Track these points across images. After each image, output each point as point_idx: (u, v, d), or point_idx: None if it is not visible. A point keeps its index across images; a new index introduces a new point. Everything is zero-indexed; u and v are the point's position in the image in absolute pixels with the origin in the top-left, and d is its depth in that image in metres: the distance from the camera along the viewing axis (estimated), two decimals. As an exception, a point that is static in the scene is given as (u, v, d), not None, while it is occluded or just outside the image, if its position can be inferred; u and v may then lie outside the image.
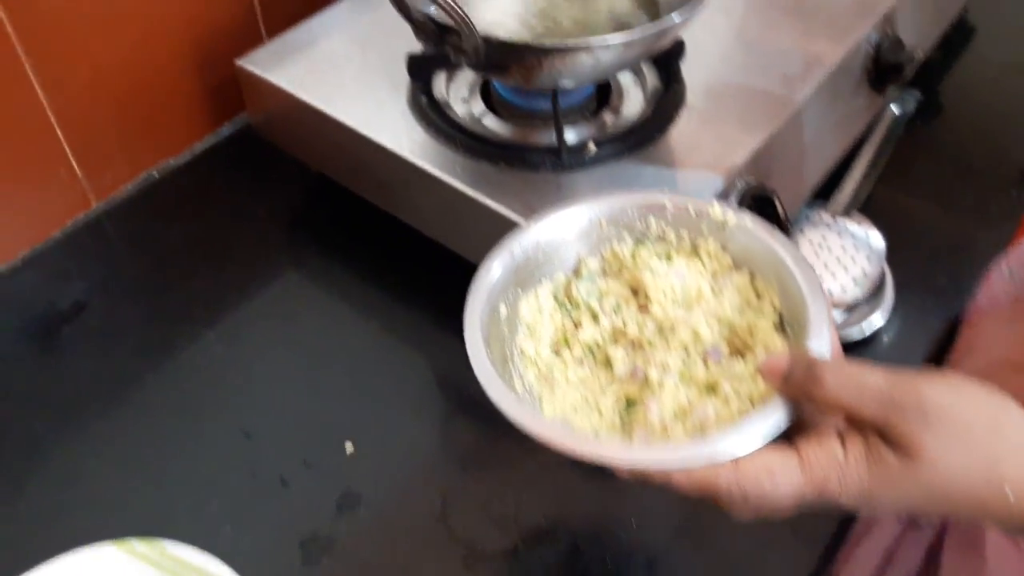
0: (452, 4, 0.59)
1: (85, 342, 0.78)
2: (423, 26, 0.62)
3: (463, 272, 0.55)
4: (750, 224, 0.56)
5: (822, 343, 0.48)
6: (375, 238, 0.85)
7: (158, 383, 0.75)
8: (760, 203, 0.72)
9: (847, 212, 0.85)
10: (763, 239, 0.55)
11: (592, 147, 0.72)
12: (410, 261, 0.83)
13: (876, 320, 0.80)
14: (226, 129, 0.97)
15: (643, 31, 0.63)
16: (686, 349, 0.54)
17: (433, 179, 0.72)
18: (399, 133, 0.75)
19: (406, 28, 0.70)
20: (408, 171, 0.74)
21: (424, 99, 0.77)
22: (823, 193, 0.87)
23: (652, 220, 0.58)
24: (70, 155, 0.83)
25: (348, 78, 0.81)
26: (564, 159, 0.71)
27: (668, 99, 0.77)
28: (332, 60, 0.83)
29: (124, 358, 0.77)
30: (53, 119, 0.80)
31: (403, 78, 0.78)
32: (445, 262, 0.76)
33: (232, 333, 0.79)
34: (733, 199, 0.72)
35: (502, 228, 0.68)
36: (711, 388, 0.51)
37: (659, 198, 0.58)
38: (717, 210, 0.56)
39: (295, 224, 0.90)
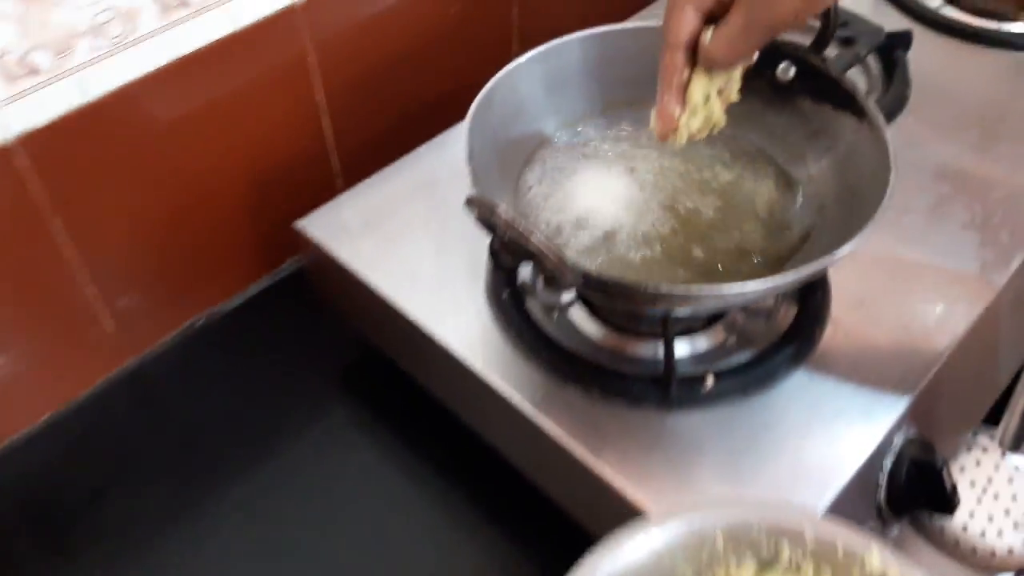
0: (546, 245, 0.45)
1: (97, 542, 0.67)
2: (513, 247, 0.49)
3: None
4: None
5: None
6: (439, 422, 0.71)
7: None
8: (921, 469, 0.56)
9: (1018, 444, 0.68)
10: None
11: (710, 381, 0.57)
12: (474, 456, 0.69)
13: (1055, 593, 0.64)
14: (287, 266, 0.85)
15: (787, 277, 0.48)
16: None
17: (506, 404, 0.59)
18: (472, 335, 0.62)
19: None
20: (477, 385, 0.61)
21: (505, 292, 0.63)
22: (990, 414, 0.70)
23: (785, 546, 0.44)
24: (102, 310, 0.73)
25: (420, 253, 0.68)
26: (673, 395, 0.57)
27: (808, 312, 0.62)
28: (404, 226, 0.70)
29: (137, 570, 0.66)
30: (82, 274, 0.70)
31: (483, 256, 0.66)
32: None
33: (260, 541, 0.67)
34: (888, 463, 0.57)
35: (587, 478, 0.55)
36: None
37: (798, 520, 0.44)
38: (875, 558, 0.42)
39: (348, 389, 0.77)
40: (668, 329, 0.55)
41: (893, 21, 0.86)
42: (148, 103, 0.66)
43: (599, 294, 0.55)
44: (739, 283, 0.48)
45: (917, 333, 0.61)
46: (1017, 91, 0.81)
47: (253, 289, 0.84)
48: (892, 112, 0.77)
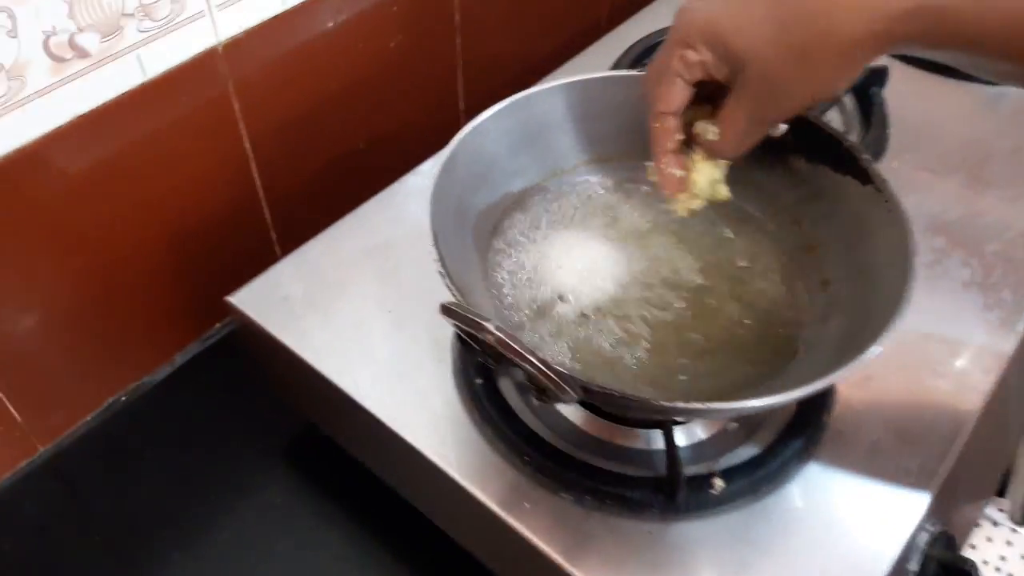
0: (547, 364, 0.38)
1: None
2: (499, 355, 0.41)
3: None
4: None
5: None
6: (394, 500, 0.63)
7: None
8: (950, 573, 0.51)
9: (1028, 514, 0.64)
10: None
11: (719, 483, 0.51)
12: (436, 540, 0.61)
13: None
14: (218, 330, 0.76)
15: (813, 387, 0.42)
16: None
17: (484, 511, 0.52)
18: (440, 429, 0.55)
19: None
20: (449, 488, 0.53)
21: (478, 380, 0.56)
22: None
23: None
24: (5, 397, 0.63)
25: (374, 329, 0.60)
26: (680, 502, 0.50)
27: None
28: (355, 297, 0.62)
29: None
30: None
31: (449, 331, 0.58)
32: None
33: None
34: (913, 567, 0.51)
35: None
36: None
37: None
38: None
39: (292, 464, 0.70)
40: (670, 435, 0.49)
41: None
42: (46, 167, 0.57)
43: (597, 402, 0.49)
44: (759, 399, 0.41)
45: (929, 412, 0.56)
46: (998, 128, 0.76)
47: (180, 359, 0.74)
48: (874, 156, 0.72)
